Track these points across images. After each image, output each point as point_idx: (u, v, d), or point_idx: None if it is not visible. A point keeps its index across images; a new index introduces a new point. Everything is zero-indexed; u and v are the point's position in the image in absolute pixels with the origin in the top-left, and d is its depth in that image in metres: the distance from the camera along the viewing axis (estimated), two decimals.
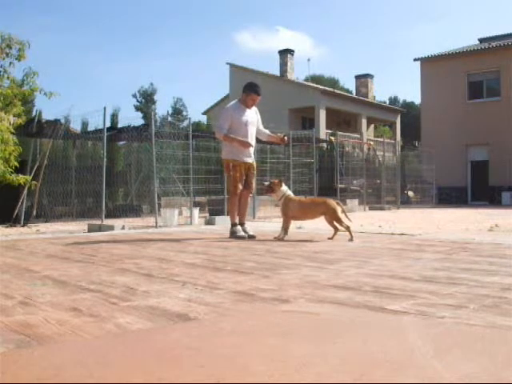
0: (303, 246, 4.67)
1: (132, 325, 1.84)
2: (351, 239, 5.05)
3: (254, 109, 5.94)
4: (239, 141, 5.65)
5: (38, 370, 1.32)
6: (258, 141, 6.56)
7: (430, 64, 24.21)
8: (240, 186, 5.75)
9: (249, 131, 5.79)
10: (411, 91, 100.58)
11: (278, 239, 5.23)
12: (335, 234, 5.29)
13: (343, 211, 5.34)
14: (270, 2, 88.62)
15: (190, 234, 6.43)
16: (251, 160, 5.89)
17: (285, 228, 5.33)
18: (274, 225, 8.07)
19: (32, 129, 9.83)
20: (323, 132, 25.79)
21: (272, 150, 14.33)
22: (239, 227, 5.72)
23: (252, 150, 5.90)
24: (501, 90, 22.49)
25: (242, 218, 5.84)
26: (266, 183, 5.59)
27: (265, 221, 9.53)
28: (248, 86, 5.84)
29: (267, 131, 6.19)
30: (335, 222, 5.27)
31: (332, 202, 5.37)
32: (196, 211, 9.13)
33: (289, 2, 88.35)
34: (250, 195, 6.13)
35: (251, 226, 6.07)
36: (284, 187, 5.48)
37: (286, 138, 6.11)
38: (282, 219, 5.47)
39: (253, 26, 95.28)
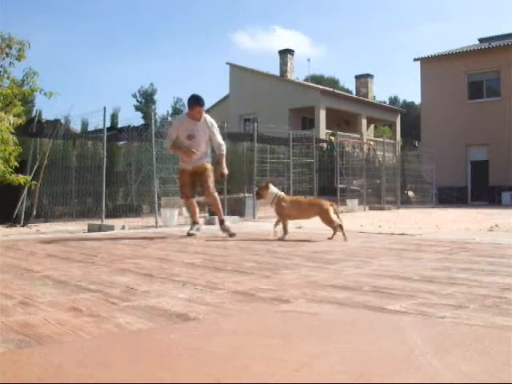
0: (303, 246, 4.67)
1: (132, 325, 1.84)
2: (345, 239, 5.08)
3: (207, 120, 6.01)
4: (182, 151, 5.94)
5: (38, 370, 1.32)
6: (259, 141, 6.59)
7: (430, 64, 24.21)
8: (185, 191, 6.08)
9: (193, 144, 5.91)
10: (411, 91, 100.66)
11: (279, 239, 5.24)
12: (334, 233, 5.30)
13: (336, 212, 5.38)
14: (265, 2, 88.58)
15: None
16: (200, 163, 6.01)
17: (284, 227, 5.35)
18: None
19: (32, 129, 9.82)
20: (323, 132, 25.77)
21: (272, 150, 14.33)
22: (196, 225, 6.05)
23: (200, 155, 5.98)
24: (501, 90, 22.48)
25: (219, 216, 6.07)
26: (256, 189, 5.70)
27: (265, 221, 9.53)
28: (190, 100, 5.95)
29: (221, 150, 6.13)
30: (326, 223, 5.32)
31: (326, 203, 5.42)
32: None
33: (285, 1, 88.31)
34: (217, 194, 6.15)
35: (251, 227, 6.07)
36: (273, 189, 5.52)
37: (225, 174, 6.14)
38: (324, 222, 5.41)
39: (249, 27, 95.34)
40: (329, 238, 5.27)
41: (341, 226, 5.21)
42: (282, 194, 5.62)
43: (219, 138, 6.15)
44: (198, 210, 6.20)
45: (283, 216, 5.40)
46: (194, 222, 6.13)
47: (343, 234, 5.16)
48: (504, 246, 4.50)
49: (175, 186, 10.15)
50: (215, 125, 6.13)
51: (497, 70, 22.56)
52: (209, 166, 6.13)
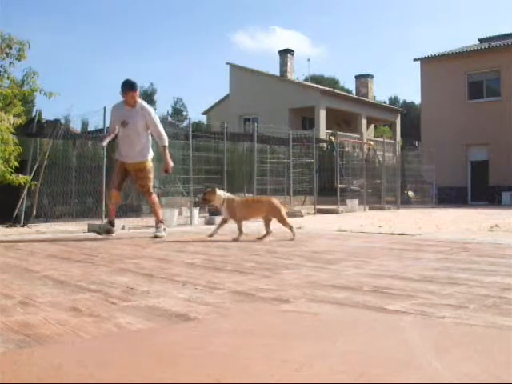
0: (303, 246, 4.67)
1: (132, 325, 1.84)
2: (293, 238, 5.15)
3: (144, 107, 5.70)
4: (104, 136, 5.85)
5: (38, 370, 1.32)
6: (259, 141, 6.52)
7: (430, 64, 24.21)
8: (114, 180, 5.80)
9: (127, 131, 5.65)
10: (411, 91, 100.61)
11: (234, 240, 5.17)
12: (293, 233, 5.27)
13: (287, 211, 5.41)
14: (265, 2, 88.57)
15: (189, 233, 6.43)
16: (139, 160, 5.72)
17: (239, 228, 5.30)
18: (274, 225, 8.07)
19: (32, 129, 9.82)
20: (323, 132, 25.77)
21: (272, 150, 14.33)
22: (108, 225, 5.86)
23: (138, 149, 5.70)
24: (501, 90, 22.48)
25: (155, 217, 5.88)
26: (201, 195, 5.56)
27: None
28: (122, 85, 5.65)
29: (162, 141, 5.80)
30: (281, 222, 5.30)
31: (276, 201, 5.41)
32: (196, 211, 9.12)
33: (285, 1, 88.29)
34: (154, 196, 5.88)
35: (251, 227, 6.07)
36: (221, 192, 5.44)
37: (170, 170, 5.88)
38: (276, 220, 5.39)
39: (249, 26, 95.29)
40: (291, 239, 5.19)
41: (291, 227, 5.28)
42: (231, 196, 5.56)
43: (159, 128, 5.77)
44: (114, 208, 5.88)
45: (237, 218, 5.32)
46: (110, 221, 5.88)
47: (293, 232, 5.22)
48: (504, 246, 4.50)
49: (175, 186, 10.16)
50: (153, 113, 5.78)
51: (497, 70, 22.56)
52: (149, 164, 5.80)
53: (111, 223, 5.91)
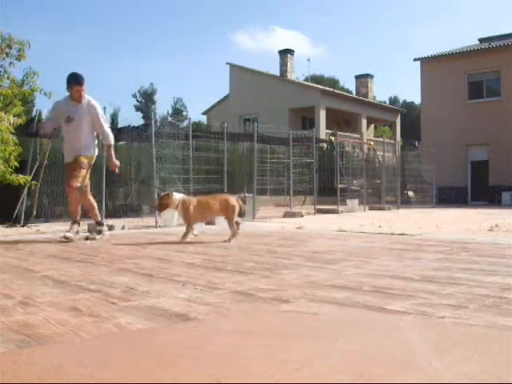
0: (303, 246, 4.67)
1: (132, 325, 1.84)
2: (229, 240, 4.98)
3: (90, 103, 5.37)
4: (38, 127, 5.46)
5: (38, 370, 1.32)
6: (259, 141, 6.46)
7: (430, 64, 24.21)
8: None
9: (70, 128, 5.35)
10: (411, 91, 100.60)
11: (180, 241, 5.03)
12: (233, 236, 5.08)
13: (241, 207, 5.24)
14: (265, 2, 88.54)
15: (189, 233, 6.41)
16: (75, 155, 5.37)
17: (187, 230, 5.13)
18: (274, 225, 8.07)
19: (32, 129, 9.83)
20: (323, 132, 25.77)
21: (272, 150, 14.33)
22: (74, 226, 5.49)
23: (78, 145, 5.38)
24: (501, 90, 22.48)
25: (94, 218, 5.61)
26: (157, 201, 5.25)
27: (265, 221, 9.52)
28: (68, 78, 5.33)
29: (107, 140, 5.50)
30: (228, 220, 5.13)
31: (233, 199, 5.22)
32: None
33: (285, 1, 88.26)
34: (76, 193, 5.39)
35: (251, 227, 6.06)
36: (176, 194, 5.21)
37: (116, 169, 5.61)
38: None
39: (249, 26, 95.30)
40: (225, 241, 5.04)
41: (237, 223, 5.14)
42: (186, 197, 5.32)
43: (104, 126, 5.46)
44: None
45: (190, 220, 5.12)
46: (74, 222, 5.53)
47: (233, 234, 5.06)
48: (504, 246, 4.50)
49: (175, 186, 10.16)
50: (100, 109, 5.47)
51: (497, 69, 22.55)
52: (83, 159, 5.38)
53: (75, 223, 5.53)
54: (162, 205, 5.19)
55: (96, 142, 5.61)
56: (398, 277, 2.84)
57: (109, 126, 5.61)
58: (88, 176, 5.53)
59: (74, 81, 5.30)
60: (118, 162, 5.56)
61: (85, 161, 5.38)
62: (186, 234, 5.13)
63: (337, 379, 1.23)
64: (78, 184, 5.31)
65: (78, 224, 5.54)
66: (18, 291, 2.50)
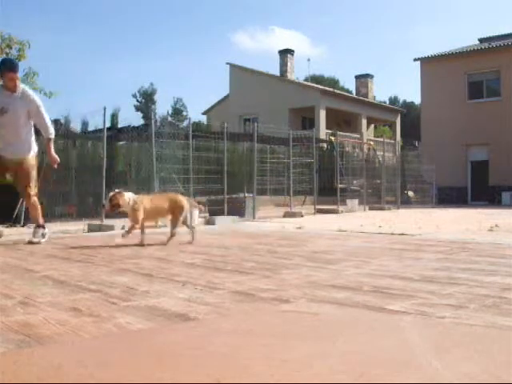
0: (303, 246, 4.67)
1: (132, 325, 1.84)
2: (166, 242, 4.79)
3: (26, 93, 4.92)
4: None
5: (38, 370, 1.32)
6: (259, 141, 6.42)
7: (430, 64, 24.20)
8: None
9: (4, 120, 4.84)
10: (411, 91, 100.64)
11: (118, 236, 4.81)
12: (170, 238, 4.86)
13: (191, 205, 5.03)
14: (265, 2, 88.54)
15: (189, 233, 6.41)
16: (18, 155, 4.95)
17: (129, 229, 4.83)
18: (274, 225, 8.07)
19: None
20: (323, 132, 25.77)
21: (272, 150, 14.33)
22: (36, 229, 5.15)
23: (17, 141, 4.95)
24: (501, 90, 22.48)
25: (37, 221, 5.20)
26: (108, 201, 4.79)
27: (265, 221, 9.52)
28: None
29: (48, 133, 5.10)
30: (173, 219, 4.87)
31: (183, 199, 4.97)
32: (196, 211, 9.11)
33: (284, 1, 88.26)
34: (35, 200, 5.11)
35: (251, 227, 6.06)
36: (128, 194, 4.85)
37: (55, 164, 5.20)
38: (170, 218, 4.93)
39: (249, 26, 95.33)
40: (187, 242, 4.91)
41: (174, 232, 4.88)
42: (135, 196, 4.93)
43: (45, 119, 5.02)
44: None
45: (139, 221, 4.77)
46: (38, 226, 5.15)
47: (170, 236, 4.85)
48: (504, 246, 4.50)
49: (175, 186, 10.15)
50: (38, 100, 5.01)
51: (497, 70, 22.55)
52: (31, 160, 5.01)
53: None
54: (114, 205, 4.75)
55: (33, 137, 5.16)
56: (398, 277, 2.84)
57: (49, 118, 5.19)
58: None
59: (8, 67, 4.81)
60: (57, 157, 5.16)
61: (33, 162, 5.08)
62: (128, 232, 4.78)
63: (337, 379, 1.23)
64: (35, 191, 5.07)
65: (43, 227, 5.21)
66: (17, 291, 2.50)
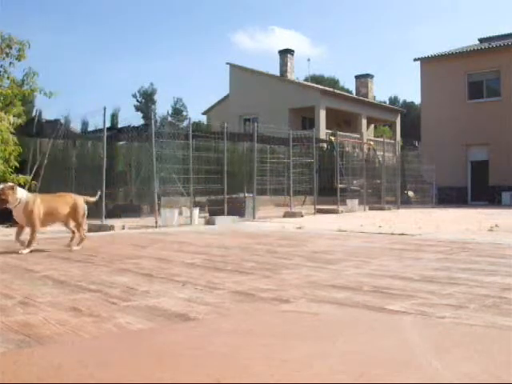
0: (303, 246, 4.67)
1: (132, 325, 1.84)
2: (77, 245, 4.49)
3: None
4: None
5: (38, 370, 1.32)
6: (259, 141, 6.42)
7: (430, 64, 24.20)
8: None
9: None
10: (411, 91, 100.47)
11: (19, 252, 4.23)
12: (82, 241, 4.57)
13: (87, 201, 4.69)
14: (265, 2, 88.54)
15: (189, 234, 6.42)
16: None
17: (32, 239, 4.38)
18: (274, 225, 8.07)
19: (32, 129, 9.83)
20: (323, 132, 25.77)
21: (272, 150, 14.33)
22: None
23: None
24: (501, 90, 22.46)
25: None
26: None
27: (265, 221, 9.52)
28: None
29: None
30: (74, 224, 4.57)
31: (81, 201, 4.63)
32: (196, 211, 9.12)
33: (284, 1, 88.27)
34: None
35: (251, 227, 6.06)
36: (20, 191, 4.42)
37: None
38: (71, 221, 4.61)
39: (249, 26, 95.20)
40: (67, 246, 4.52)
41: (74, 232, 4.61)
42: (31, 195, 4.51)
43: None
44: None
45: (36, 225, 4.39)
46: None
47: (80, 238, 4.55)
48: (504, 246, 4.50)
49: (175, 185, 10.16)
50: None
51: (497, 70, 22.55)
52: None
53: None
54: (1, 200, 4.26)
55: None
56: (398, 277, 2.84)
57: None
58: None
59: None
60: None
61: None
62: (30, 242, 4.35)
63: (337, 379, 1.23)
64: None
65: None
66: (18, 291, 2.50)
